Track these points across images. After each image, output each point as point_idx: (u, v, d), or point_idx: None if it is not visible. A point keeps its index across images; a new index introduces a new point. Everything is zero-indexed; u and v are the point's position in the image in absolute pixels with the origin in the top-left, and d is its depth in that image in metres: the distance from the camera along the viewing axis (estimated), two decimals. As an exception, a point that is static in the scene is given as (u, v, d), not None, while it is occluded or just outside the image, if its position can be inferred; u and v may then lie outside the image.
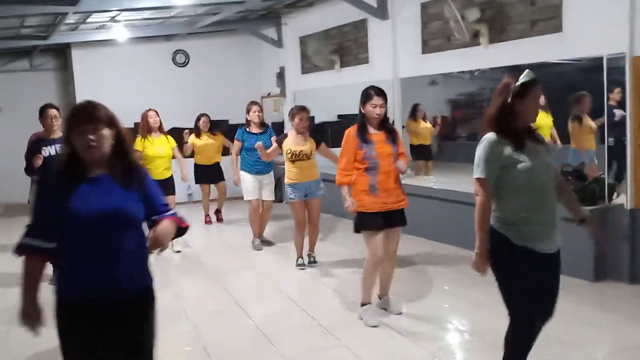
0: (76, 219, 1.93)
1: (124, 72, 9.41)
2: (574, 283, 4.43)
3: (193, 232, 7.05)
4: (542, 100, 5.81)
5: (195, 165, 7.52)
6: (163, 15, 7.68)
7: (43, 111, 4.94)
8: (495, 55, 5.42)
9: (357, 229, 3.84)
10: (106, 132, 1.98)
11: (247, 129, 6.07)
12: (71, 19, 6.76)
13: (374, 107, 3.75)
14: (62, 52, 9.80)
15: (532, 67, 5.17)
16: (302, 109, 5.38)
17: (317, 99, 8.29)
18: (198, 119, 7.48)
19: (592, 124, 5.56)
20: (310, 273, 5.18)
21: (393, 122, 6.95)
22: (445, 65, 6.14)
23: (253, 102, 6.16)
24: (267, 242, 6.30)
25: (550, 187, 2.54)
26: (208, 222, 7.70)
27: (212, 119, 8.36)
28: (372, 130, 3.82)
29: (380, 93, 3.79)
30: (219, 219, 7.78)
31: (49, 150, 4.67)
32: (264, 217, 6.19)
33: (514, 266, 2.52)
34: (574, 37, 4.67)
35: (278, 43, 9.30)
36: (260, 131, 6.05)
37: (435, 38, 6.18)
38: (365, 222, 3.78)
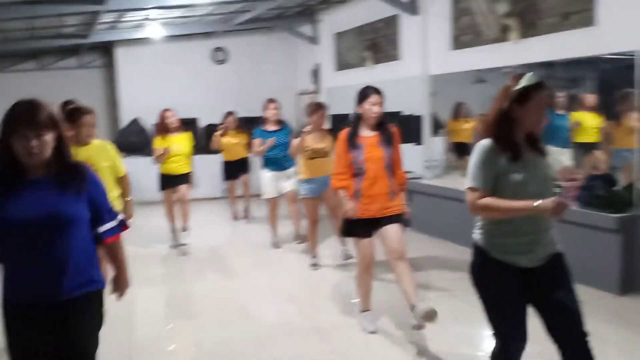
0: (12, 224, 1.88)
1: (165, 69, 9.68)
2: (596, 295, 4.14)
3: (217, 229, 7.19)
4: (591, 100, 5.59)
5: (223, 162, 7.62)
6: (197, 13, 7.83)
7: (64, 107, 5.14)
8: (526, 51, 5.16)
9: (344, 234, 3.77)
10: (49, 137, 1.89)
11: (264, 128, 6.00)
12: (108, 18, 7.02)
13: (373, 105, 3.55)
14: (108, 50, 10.20)
15: (566, 62, 5.01)
16: (319, 106, 5.32)
17: (352, 96, 8.20)
18: (225, 117, 7.52)
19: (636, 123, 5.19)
20: (322, 274, 5.10)
21: (415, 120, 6.80)
22: (475, 61, 5.90)
23: (270, 100, 6.08)
24: (302, 238, 6.10)
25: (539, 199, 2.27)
26: (235, 218, 7.78)
27: (247, 116, 8.47)
28: (365, 132, 3.61)
29: (378, 92, 3.62)
30: (246, 216, 7.76)
31: None
32: (292, 209, 6.05)
33: (489, 281, 2.33)
34: (608, 31, 4.37)
35: (313, 40, 9.29)
36: (277, 128, 5.99)
37: (465, 34, 5.96)
38: (350, 229, 3.68)
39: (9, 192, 1.90)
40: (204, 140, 9.45)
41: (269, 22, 9.14)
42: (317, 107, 5.24)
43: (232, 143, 7.44)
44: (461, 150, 6.95)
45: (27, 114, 1.86)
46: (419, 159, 6.78)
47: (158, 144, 5.97)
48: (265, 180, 6.02)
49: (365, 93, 3.61)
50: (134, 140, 9.18)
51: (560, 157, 5.63)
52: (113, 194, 4.03)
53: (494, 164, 2.23)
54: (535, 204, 2.12)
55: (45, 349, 1.97)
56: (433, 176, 6.58)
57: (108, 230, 2.13)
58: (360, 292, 3.79)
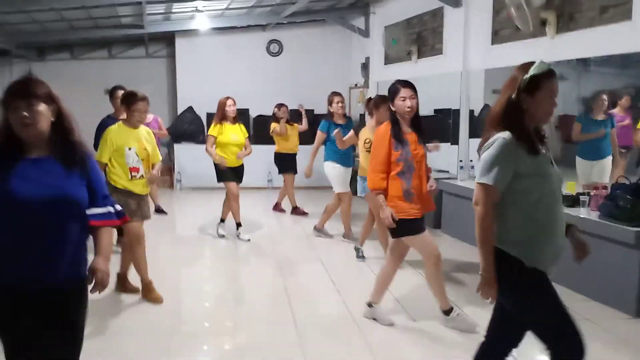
0: (14, 203, 1.83)
1: (220, 60, 10.05)
2: (609, 315, 3.84)
3: (264, 220, 7.25)
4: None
5: (279, 154, 7.32)
6: (245, 5, 8.02)
7: (113, 92, 5.42)
8: (563, 46, 4.83)
9: (398, 235, 3.52)
10: (42, 108, 1.86)
11: (332, 120, 5.90)
12: (158, 9, 7.42)
13: (404, 100, 3.41)
14: (172, 41, 10.74)
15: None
16: (385, 99, 5.09)
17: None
18: (278, 108, 7.30)
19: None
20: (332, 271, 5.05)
21: (454, 115, 6.55)
22: (513, 57, 5.57)
23: (335, 93, 6.00)
24: (326, 234, 6.15)
25: (561, 201, 2.18)
26: (299, 213, 7.42)
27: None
28: (405, 128, 3.48)
29: (408, 84, 3.48)
30: (280, 209, 7.58)
31: None
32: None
33: (535, 291, 2.12)
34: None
35: (365, 33, 9.21)
36: (344, 122, 5.90)
37: (505, 27, 5.68)
38: (406, 228, 3.45)
39: (11, 168, 1.86)
40: (254, 130, 9.74)
41: (322, 14, 9.20)
42: (382, 101, 4.94)
43: (288, 135, 7.25)
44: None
45: (20, 86, 1.89)
46: (454, 158, 6.57)
47: (215, 131, 5.83)
48: (337, 174, 5.84)
49: (395, 88, 3.48)
50: (187, 128, 9.63)
51: (591, 170, 5.15)
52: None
53: (516, 159, 2.06)
54: (484, 274, 2.10)
55: (35, 336, 1.92)
56: (467, 177, 6.33)
57: (97, 214, 2.03)
58: (440, 289, 3.59)
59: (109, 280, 2.03)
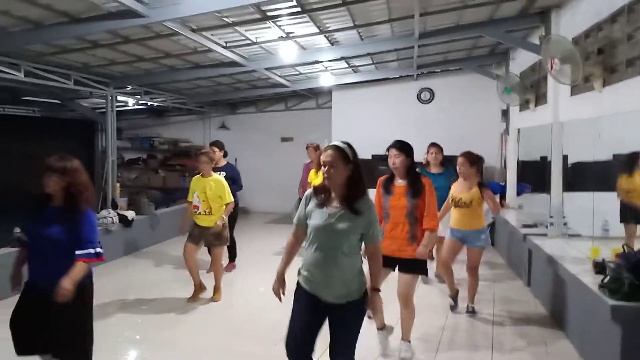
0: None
1: (371, 108, 11.33)
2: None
3: None
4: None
5: None
6: (364, 63, 9.18)
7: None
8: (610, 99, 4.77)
9: None
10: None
11: None
12: (290, 71, 9.14)
13: (390, 158, 4.36)
14: (336, 93, 12.44)
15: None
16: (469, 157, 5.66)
17: (538, 138, 7.91)
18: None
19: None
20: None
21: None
22: (584, 109, 5.51)
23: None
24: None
25: None
26: None
27: (449, 154, 8.88)
28: (397, 180, 4.36)
29: (393, 145, 4.34)
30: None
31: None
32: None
33: None
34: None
35: (505, 80, 9.38)
36: None
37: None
38: None
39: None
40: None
41: (460, 63, 9.76)
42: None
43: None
44: (632, 213, 5.33)
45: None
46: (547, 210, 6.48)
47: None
48: None
49: (389, 147, 4.41)
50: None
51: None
52: (217, 216, 5.76)
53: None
54: None
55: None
56: (559, 234, 6.20)
57: (78, 254, 3.19)
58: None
59: (67, 292, 3.05)
